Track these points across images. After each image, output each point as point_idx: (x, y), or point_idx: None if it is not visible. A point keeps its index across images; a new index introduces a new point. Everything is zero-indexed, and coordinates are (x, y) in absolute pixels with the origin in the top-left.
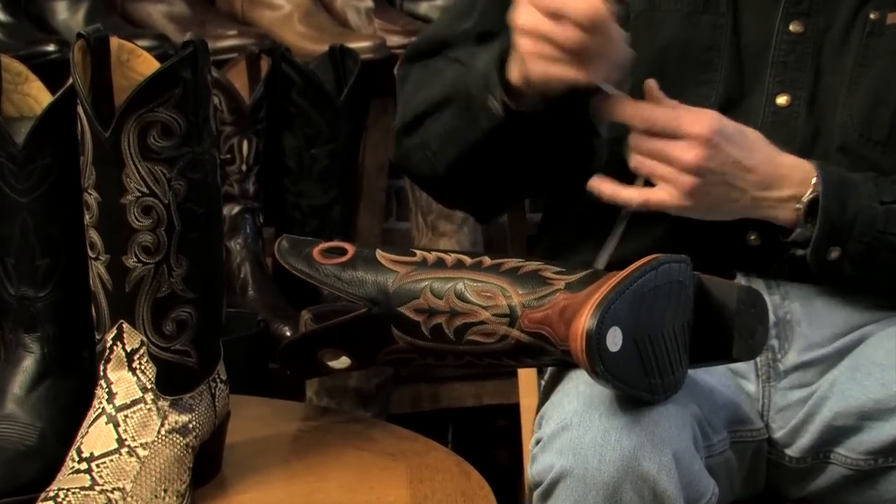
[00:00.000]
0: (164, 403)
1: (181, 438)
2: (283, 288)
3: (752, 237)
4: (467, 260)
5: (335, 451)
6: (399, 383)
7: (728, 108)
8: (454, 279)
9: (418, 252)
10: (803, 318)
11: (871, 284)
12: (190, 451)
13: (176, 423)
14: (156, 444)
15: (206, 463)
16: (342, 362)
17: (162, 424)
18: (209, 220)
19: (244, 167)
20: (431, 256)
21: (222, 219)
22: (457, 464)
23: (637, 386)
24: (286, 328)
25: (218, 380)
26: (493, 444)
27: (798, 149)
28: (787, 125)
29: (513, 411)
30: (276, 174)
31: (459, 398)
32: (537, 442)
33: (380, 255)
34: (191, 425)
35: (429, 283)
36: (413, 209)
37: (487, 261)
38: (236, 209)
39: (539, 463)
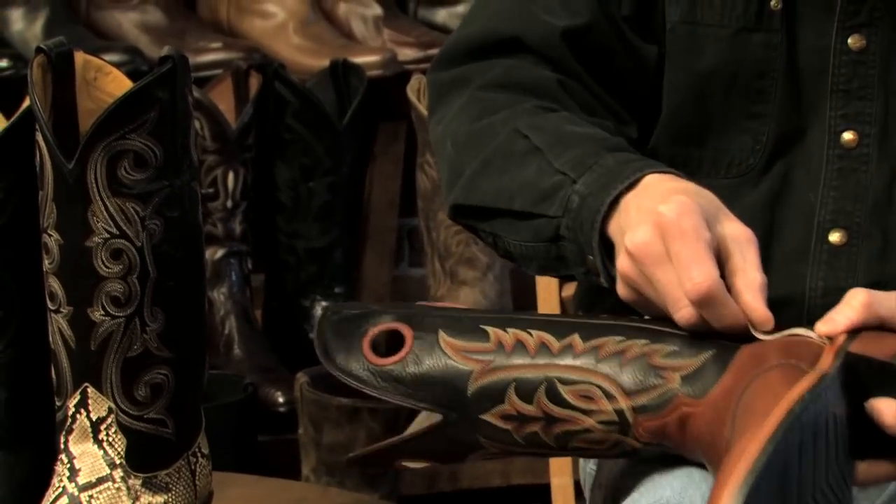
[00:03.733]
0: (135, 482)
1: None
2: (276, 345)
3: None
4: (554, 344)
5: None
6: None
7: (784, 148)
8: (542, 375)
9: (491, 332)
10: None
11: None
12: None
13: None
14: None
15: None
16: (421, 462)
17: None
18: (189, 266)
19: (230, 203)
20: (509, 339)
21: (204, 264)
22: None
23: None
24: (278, 393)
25: (199, 454)
26: None
27: (871, 204)
28: (857, 172)
29: (547, 492)
30: (268, 211)
31: (483, 477)
32: None
33: (444, 341)
34: None
35: (513, 383)
36: (429, 253)
37: (579, 343)
38: (220, 253)
39: None
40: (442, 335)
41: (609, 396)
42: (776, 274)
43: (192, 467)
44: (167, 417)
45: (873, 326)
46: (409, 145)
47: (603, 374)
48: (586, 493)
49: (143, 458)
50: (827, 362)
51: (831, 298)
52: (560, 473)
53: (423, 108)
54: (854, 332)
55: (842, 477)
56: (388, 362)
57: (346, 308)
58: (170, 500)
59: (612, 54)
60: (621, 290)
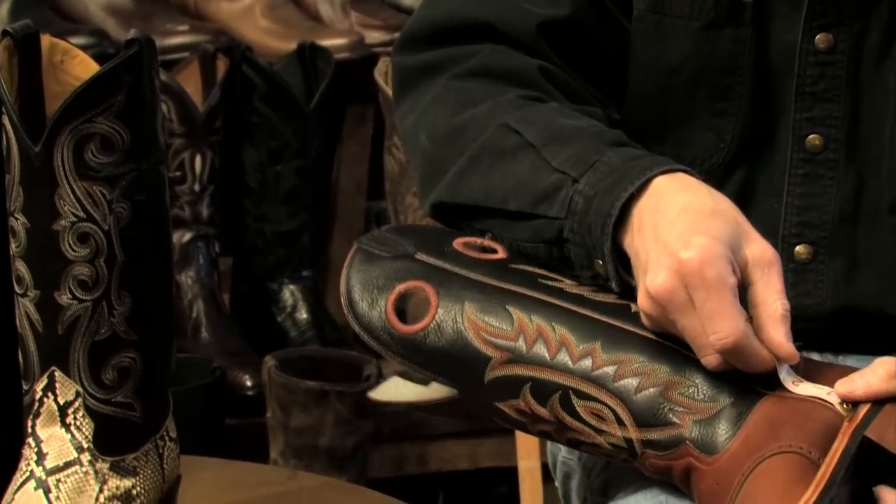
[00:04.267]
0: (103, 465)
1: None
2: (243, 328)
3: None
4: (574, 349)
5: None
6: (379, 442)
7: (748, 149)
8: (558, 382)
9: (516, 317)
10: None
11: None
12: None
13: (117, 488)
14: None
15: None
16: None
17: (101, 490)
18: (156, 250)
19: (197, 186)
20: (531, 330)
21: (172, 248)
22: None
23: None
24: (246, 377)
25: (167, 437)
26: None
27: (839, 210)
28: (822, 178)
29: (514, 475)
30: (235, 195)
31: (451, 459)
32: None
33: (468, 318)
34: (135, 491)
35: (529, 382)
36: None
37: (599, 355)
38: (188, 236)
39: None
40: (467, 310)
41: (620, 423)
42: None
43: (160, 451)
44: (135, 401)
45: None
46: (376, 128)
47: (617, 398)
48: (555, 477)
49: (111, 441)
50: (840, 448)
51: (799, 320)
52: (528, 457)
53: (390, 91)
54: (878, 402)
55: None
56: (410, 331)
57: (378, 246)
58: (137, 483)
59: (595, 42)
60: (644, 319)
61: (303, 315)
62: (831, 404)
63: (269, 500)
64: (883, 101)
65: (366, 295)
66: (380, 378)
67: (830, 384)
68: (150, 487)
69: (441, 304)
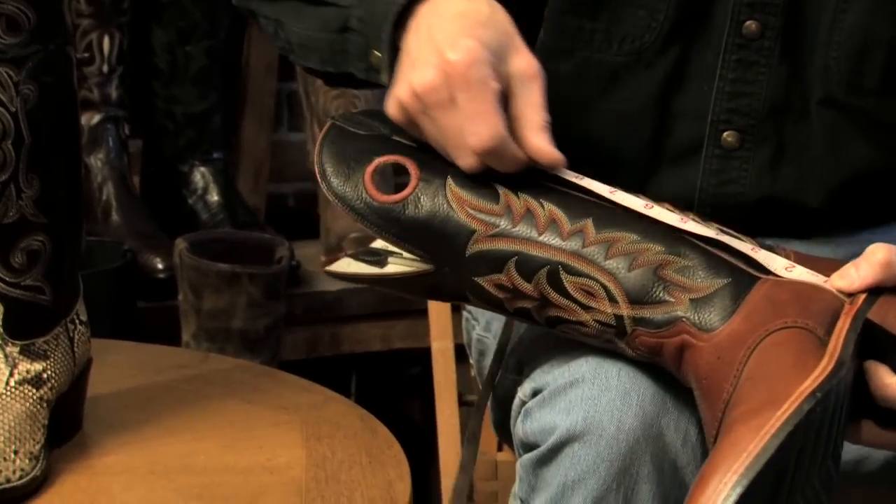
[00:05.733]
0: (12, 350)
1: (34, 391)
2: (154, 211)
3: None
4: (564, 223)
5: (217, 404)
6: (292, 324)
7: (683, 30)
8: (547, 257)
9: (502, 193)
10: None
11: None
12: (44, 405)
13: (27, 372)
14: (4, 397)
15: (65, 419)
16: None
17: (11, 374)
18: (64, 132)
19: (105, 68)
20: (519, 206)
21: (80, 130)
22: (361, 418)
23: None
24: (157, 260)
25: (77, 321)
26: (404, 395)
27: (769, 99)
28: (756, 65)
29: (427, 356)
30: (144, 76)
31: (364, 341)
32: (534, 394)
33: (451, 190)
34: (45, 375)
35: (515, 257)
36: (308, 118)
37: (591, 232)
38: (97, 118)
39: (536, 420)
40: (450, 183)
41: (611, 299)
42: (666, 172)
43: (71, 334)
44: (44, 284)
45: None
46: None
47: (610, 274)
48: (470, 355)
49: (21, 325)
50: (845, 328)
51: (721, 208)
52: (441, 337)
53: None
54: (874, 291)
55: (829, 475)
56: (388, 200)
57: (353, 125)
58: (48, 367)
59: None
60: (395, 114)
61: (214, 197)
62: (830, 290)
63: (182, 382)
64: (821, 2)
65: (342, 167)
66: (292, 260)
67: (824, 267)
68: (61, 371)
69: (423, 176)
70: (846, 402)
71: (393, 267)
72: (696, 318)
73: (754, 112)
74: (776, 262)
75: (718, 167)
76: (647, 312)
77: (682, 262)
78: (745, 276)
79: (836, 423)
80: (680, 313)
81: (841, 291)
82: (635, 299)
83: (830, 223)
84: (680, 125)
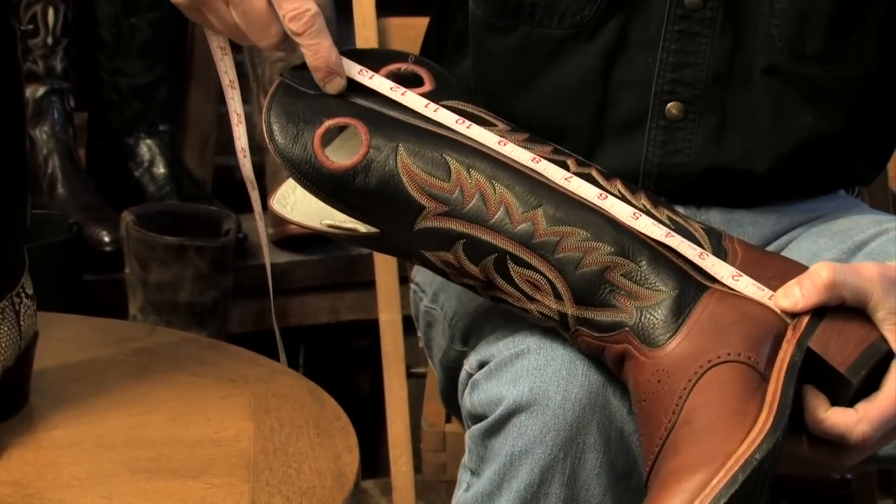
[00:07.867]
0: None
1: None
2: (100, 184)
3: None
4: (515, 210)
5: (164, 377)
6: (239, 296)
7: (623, 1)
8: (495, 245)
9: (454, 169)
10: (724, 226)
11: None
12: None
13: None
14: None
15: (11, 393)
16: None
17: None
18: (8, 105)
19: (50, 40)
20: (470, 187)
21: (25, 103)
22: (309, 390)
23: None
24: (103, 232)
25: (23, 294)
26: (352, 367)
27: (712, 71)
28: (698, 36)
29: (375, 328)
30: (89, 48)
31: (312, 313)
32: (481, 365)
33: (402, 161)
34: None
35: (463, 240)
36: (254, 89)
37: (541, 223)
38: (41, 91)
39: (483, 392)
40: (401, 152)
41: (557, 296)
42: (611, 144)
43: (17, 308)
44: None
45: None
46: None
47: (557, 271)
48: (418, 327)
49: None
50: (785, 361)
51: (666, 178)
52: (388, 309)
53: None
54: (817, 312)
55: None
56: (337, 167)
57: (302, 82)
58: None
59: None
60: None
61: (160, 170)
62: (774, 309)
63: (129, 355)
64: None
65: (290, 127)
66: (239, 233)
67: (772, 274)
68: (7, 345)
69: (373, 142)
70: (778, 460)
71: (341, 220)
72: (641, 329)
73: (698, 83)
74: (723, 270)
75: (663, 138)
76: (591, 314)
77: (630, 266)
78: (691, 283)
79: (767, 480)
80: (624, 320)
81: (785, 312)
82: (581, 300)
83: (775, 192)
84: (624, 97)
